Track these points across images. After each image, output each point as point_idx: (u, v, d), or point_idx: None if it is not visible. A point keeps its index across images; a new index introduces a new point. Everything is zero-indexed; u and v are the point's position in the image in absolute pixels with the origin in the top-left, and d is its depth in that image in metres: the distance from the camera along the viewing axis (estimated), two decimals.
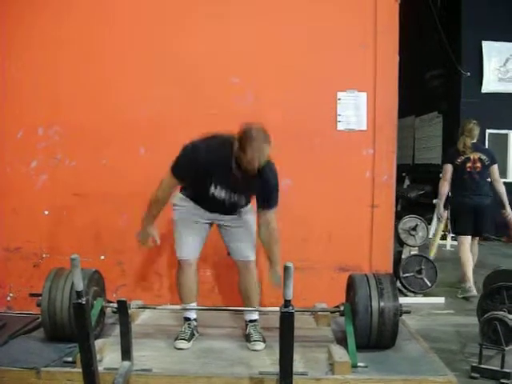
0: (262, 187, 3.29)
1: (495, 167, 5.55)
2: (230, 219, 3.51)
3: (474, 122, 5.49)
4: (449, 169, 5.51)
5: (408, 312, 3.44)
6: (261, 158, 3.04)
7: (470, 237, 5.54)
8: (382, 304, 3.29)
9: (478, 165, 5.43)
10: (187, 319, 3.60)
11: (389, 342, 3.37)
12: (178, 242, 3.51)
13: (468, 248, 5.48)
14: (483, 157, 5.45)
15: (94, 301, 3.47)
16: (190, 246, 3.51)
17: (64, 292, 3.39)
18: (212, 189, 3.30)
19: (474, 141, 5.52)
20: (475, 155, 5.41)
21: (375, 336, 3.31)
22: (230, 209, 3.45)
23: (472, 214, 5.44)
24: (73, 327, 3.24)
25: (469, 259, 5.42)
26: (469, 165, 5.42)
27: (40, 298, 3.40)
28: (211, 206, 3.44)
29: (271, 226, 3.36)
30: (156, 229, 3.46)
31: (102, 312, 3.58)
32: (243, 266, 3.54)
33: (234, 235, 3.53)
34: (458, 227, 5.49)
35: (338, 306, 3.57)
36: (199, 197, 3.43)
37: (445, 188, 5.62)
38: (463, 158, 5.45)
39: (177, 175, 3.30)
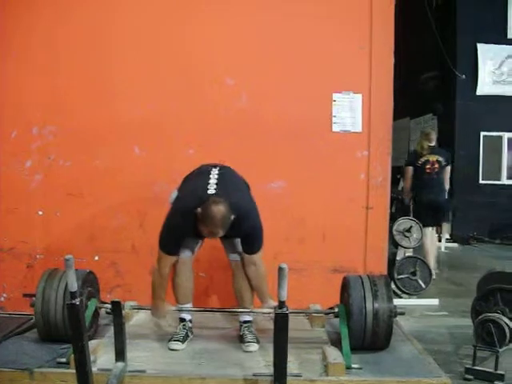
0: (241, 235, 3.31)
1: (448, 168, 6.32)
2: None
3: (431, 127, 6.67)
4: (409, 170, 6.31)
5: (402, 313, 3.45)
6: (217, 235, 3.13)
7: (431, 228, 6.22)
8: (376, 306, 3.29)
9: (436, 166, 6.16)
10: (182, 320, 3.60)
11: (383, 344, 3.37)
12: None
13: (430, 238, 6.13)
14: (440, 159, 6.18)
15: (88, 302, 3.46)
16: (185, 246, 3.49)
17: (58, 293, 3.37)
18: (200, 240, 3.49)
19: (432, 144, 6.27)
20: (433, 157, 6.14)
21: (369, 337, 3.31)
22: None
23: (432, 209, 6.13)
24: (66, 328, 3.23)
25: (431, 247, 6.12)
26: (428, 166, 6.16)
27: (34, 298, 3.39)
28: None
29: (257, 268, 3.37)
30: (168, 304, 3.46)
31: (96, 313, 3.57)
32: (237, 266, 3.54)
33: (230, 241, 3.52)
34: (421, 221, 5.81)
35: (332, 308, 3.57)
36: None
37: (408, 184, 6.47)
38: (423, 160, 6.19)
39: (170, 252, 3.33)
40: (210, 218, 3.00)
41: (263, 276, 3.40)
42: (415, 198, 6.46)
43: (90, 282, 3.55)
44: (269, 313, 3.29)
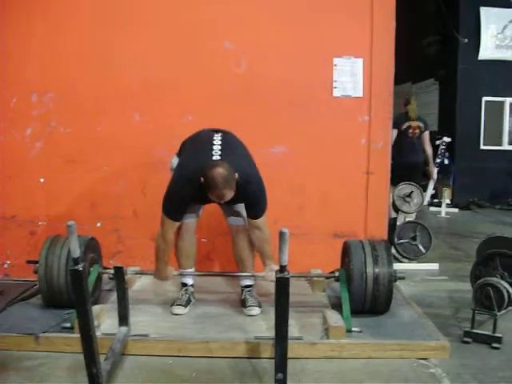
0: (244, 199, 3.30)
1: (427, 133, 6.75)
2: None
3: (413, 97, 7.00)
4: (394, 132, 6.38)
5: (402, 278, 3.48)
6: (225, 199, 3.09)
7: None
8: (376, 270, 3.32)
9: (417, 131, 6.63)
10: (184, 285, 3.64)
11: (383, 308, 3.41)
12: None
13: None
14: (421, 125, 6.65)
15: (91, 268, 3.49)
16: (189, 211, 3.50)
17: (60, 259, 3.41)
18: (203, 205, 3.53)
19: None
20: (415, 123, 6.60)
21: (369, 301, 3.34)
22: None
23: (408, 169, 6.39)
24: (70, 294, 3.28)
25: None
26: (410, 131, 6.59)
27: (37, 265, 3.42)
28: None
29: (261, 232, 3.36)
30: (171, 267, 3.46)
31: (99, 278, 3.61)
32: (236, 231, 3.55)
33: (230, 207, 3.53)
34: (397, 180, 5.87)
35: (333, 272, 3.60)
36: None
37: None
38: (407, 125, 6.60)
39: (174, 217, 3.29)
40: (215, 183, 2.98)
41: (267, 239, 3.39)
42: (395, 159, 6.64)
43: (92, 247, 3.57)
44: (270, 279, 3.34)
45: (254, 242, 3.45)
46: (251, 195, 3.26)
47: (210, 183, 3.00)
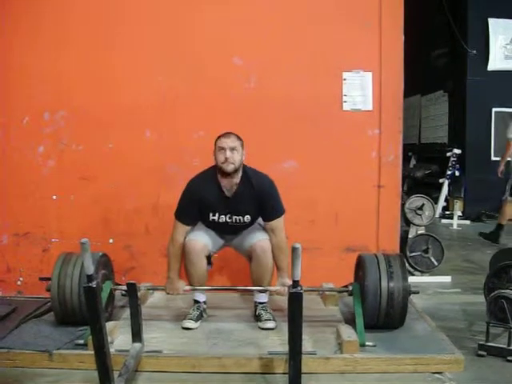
0: (257, 199, 3.39)
1: None
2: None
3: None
4: None
5: (416, 292, 3.47)
6: (233, 154, 3.30)
7: None
8: (391, 285, 3.31)
9: None
10: (196, 302, 3.64)
11: (397, 323, 3.40)
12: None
13: None
14: None
15: (103, 284, 3.50)
16: (203, 232, 3.54)
17: (73, 277, 3.41)
18: (211, 216, 3.48)
19: None
20: None
21: (383, 316, 3.33)
22: (236, 230, 3.57)
23: None
24: (83, 311, 3.29)
25: None
26: None
27: (50, 282, 3.43)
28: (219, 232, 3.60)
29: (277, 236, 3.43)
30: (183, 280, 3.51)
31: (111, 295, 3.62)
32: (259, 248, 3.47)
33: (244, 235, 3.58)
34: None
35: (346, 286, 3.59)
36: (206, 225, 3.56)
37: None
38: None
39: (182, 219, 3.45)
40: (220, 138, 3.35)
41: (283, 247, 3.43)
42: None
43: (103, 264, 3.58)
44: (281, 294, 3.37)
45: (272, 246, 3.46)
46: (263, 190, 3.42)
47: (218, 137, 3.37)
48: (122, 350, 2.98)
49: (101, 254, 3.58)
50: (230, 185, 3.40)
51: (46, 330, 3.40)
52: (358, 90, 4.26)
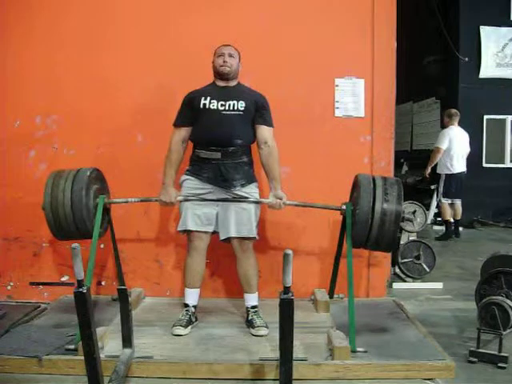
0: (251, 100, 3.52)
1: None
2: (232, 194, 3.54)
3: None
4: None
5: (410, 220, 3.47)
6: (230, 58, 3.54)
7: None
8: (385, 205, 3.30)
9: None
10: (186, 305, 3.63)
11: (386, 247, 3.43)
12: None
13: None
14: None
15: (97, 199, 3.55)
16: (197, 216, 3.53)
17: (65, 189, 3.47)
18: (202, 101, 3.52)
19: None
20: None
21: (374, 236, 3.32)
22: (230, 128, 3.49)
23: None
24: (77, 224, 3.41)
25: None
26: None
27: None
28: (210, 138, 3.51)
29: (268, 144, 3.52)
30: (175, 190, 3.55)
31: (106, 209, 3.65)
32: (240, 248, 3.54)
33: (233, 215, 3.53)
34: None
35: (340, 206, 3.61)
36: (198, 130, 3.56)
37: None
38: None
39: (177, 123, 3.60)
40: (220, 46, 3.60)
41: (274, 156, 3.54)
42: None
43: (96, 178, 3.60)
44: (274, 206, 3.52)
45: (262, 161, 3.55)
46: (259, 97, 3.60)
47: (218, 48, 3.61)
48: (113, 355, 2.97)
49: (91, 169, 3.59)
50: (225, 83, 3.59)
51: (36, 334, 3.39)
52: (350, 97, 4.27)
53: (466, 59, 9.50)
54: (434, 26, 9.95)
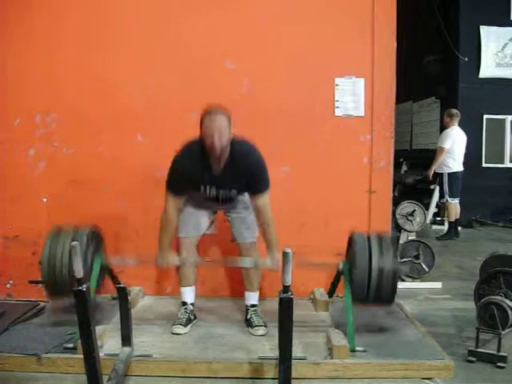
0: (244, 175, 3.32)
1: None
2: (230, 208, 3.58)
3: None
4: None
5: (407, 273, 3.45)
6: (221, 137, 3.12)
7: None
8: (381, 259, 3.27)
9: None
10: (184, 304, 3.64)
11: (388, 299, 3.38)
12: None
13: None
14: None
15: (94, 257, 3.49)
16: (192, 224, 3.55)
17: (64, 249, 3.37)
18: (202, 189, 3.39)
19: None
20: None
21: (374, 291, 3.29)
22: (227, 202, 3.50)
23: None
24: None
25: None
26: None
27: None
28: (209, 206, 3.56)
29: (262, 211, 3.38)
30: (174, 253, 3.49)
31: (103, 267, 3.58)
32: (245, 249, 3.57)
33: (235, 220, 3.58)
34: None
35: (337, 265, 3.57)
36: (196, 200, 3.52)
37: None
38: None
39: (173, 191, 3.38)
40: (208, 110, 3.17)
41: (270, 223, 3.41)
42: None
43: (93, 238, 3.56)
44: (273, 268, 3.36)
45: (258, 225, 3.48)
46: (252, 164, 3.31)
47: (205, 112, 3.18)
48: (112, 354, 2.97)
49: (89, 227, 3.54)
50: (217, 162, 3.26)
51: (35, 333, 3.39)
52: (350, 96, 4.27)
53: (466, 59, 9.51)
54: (434, 26, 9.96)
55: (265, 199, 3.37)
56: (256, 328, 3.47)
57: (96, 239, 3.58)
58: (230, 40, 4.25)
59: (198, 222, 3.58)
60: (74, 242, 2.39)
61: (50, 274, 3.37)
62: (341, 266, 3.51)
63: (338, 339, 3.11)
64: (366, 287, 3.28)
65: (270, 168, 4.18)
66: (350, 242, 3.55)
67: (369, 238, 3.41)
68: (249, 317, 3.58)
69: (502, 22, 9.53)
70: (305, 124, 4.28)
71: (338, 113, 4.29)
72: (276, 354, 2.67)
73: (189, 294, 3.66)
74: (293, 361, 2.58)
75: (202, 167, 3.26)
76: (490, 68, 9.59)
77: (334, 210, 4.29)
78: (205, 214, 3.62)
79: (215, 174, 3.29)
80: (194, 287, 3.66)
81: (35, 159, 4.28)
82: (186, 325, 3.49)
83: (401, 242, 5.47)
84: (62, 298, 3.42)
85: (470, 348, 3.22)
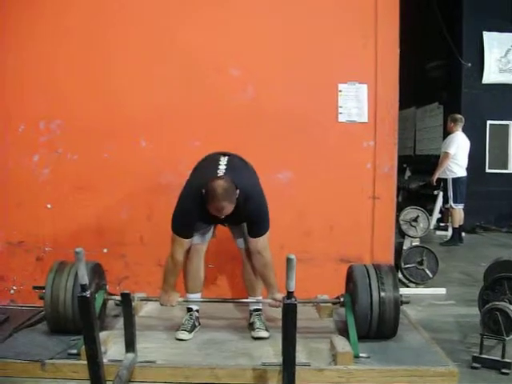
0: (246, 217, 3.32)
1: None
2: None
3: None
4: None
5: (407, 302, 3.47)
6: (224, 212, 3.10)
7: None
8: (382, 294, 3.31)
9: None
10: (189, 310, 3.64)
11: (390, 333, 3.40)
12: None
13: None
14: None
15: (96, 294, 3.48)
16: (199, 233, 3.54)
17: (67, 286, 3.40)
18: (210, 227, 3.56)
19: None
20: None
21: (376, 326, 3.33)
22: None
23: None
24: (76, 320, 3.27)
25: None
26: None
27: (43, 291, 3.42)
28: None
29: (262, 257, 3.37)
30: (177, 293, 3.48)
31: (104, 305, 3.60)
32: (246, 254, 3.57)
33: (238, 228, 3.57)
34: None
35: (338, 297, 3.59)
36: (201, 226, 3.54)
37: None
38: None
39: (179, 233, 3.33)
40: (214, 194, 3.01)
41: (269, 265, 3.39)
42: None
43: (97, 273, 3.57)
44: (275, 306, 3.34)
45: (256, 268, 3.46)
46: (253, 211, 3.28)
47: (210, 194, 3.04)
48: (116, 360, 2.97)
49: (94, 263, 3.56)
50: None
51: (38, 339, 3.39)
52: (354, 102, 4.28)
53: (469, 64, 9.51)
54: (437, 32, 9.97)
55: (264, 243, 3.37)
56: (257, 330, 3.48)
57: (97, 275, 3.58)
58: (235, 47, 4.26)
59: (203, 229, 3.57)
60: (78, 248, 2.39)
61: (53, 310, 3.39)
62: (342, 299, 3.53)
63: (342, 345, 3.10)
64: (368, 323, 3.33)
65: (274, 174, 4.21)
66: (350, 276, 3.59)
67: (367, 270, 3.45)
68: (252, 321, 3.59)
69: (506, 27, 9.53)
70: (308, 130, 4.29)
71: (341, 119, 4.29)
72: (280, 359, 2.67)
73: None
74: (297, 367, 2.58)
75: (207, 216, 3.23)
76: (493, 73, 9.59)
77: (338, 215, 4.29)
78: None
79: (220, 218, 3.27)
80: (200, 294, 3.66)
81: (39, 166, 4.29)
82: (190, 331, 3.49)
83: (404, 247, 5.46)
84: (65, 332, 3.40)
85: (475, 354, 3.21)
